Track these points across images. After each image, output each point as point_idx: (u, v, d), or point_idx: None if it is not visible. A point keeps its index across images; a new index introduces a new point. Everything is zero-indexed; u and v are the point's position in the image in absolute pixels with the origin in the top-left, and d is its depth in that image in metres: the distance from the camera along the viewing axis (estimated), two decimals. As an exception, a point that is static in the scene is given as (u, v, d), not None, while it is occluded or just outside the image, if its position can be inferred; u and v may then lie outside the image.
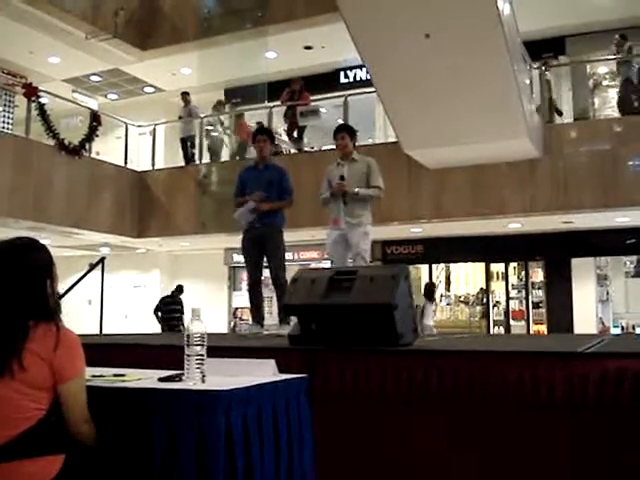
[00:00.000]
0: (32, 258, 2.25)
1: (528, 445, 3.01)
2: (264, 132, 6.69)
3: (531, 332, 13.67)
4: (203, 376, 2.34)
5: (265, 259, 6.11)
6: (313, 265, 13.50)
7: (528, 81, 9.82)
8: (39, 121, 11.76)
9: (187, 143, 14.20)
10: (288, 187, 6.19)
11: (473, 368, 3.15)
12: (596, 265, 13.87)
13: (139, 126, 14.93)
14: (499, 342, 5.39)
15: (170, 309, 12.84)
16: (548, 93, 11.29)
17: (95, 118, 12.88)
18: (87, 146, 12.68)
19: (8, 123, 11.75)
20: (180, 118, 14.60)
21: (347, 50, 9.49)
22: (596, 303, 13.69)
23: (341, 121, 11.72)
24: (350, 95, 12.86)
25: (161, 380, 2.41)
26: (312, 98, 13.14)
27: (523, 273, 14.37)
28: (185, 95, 14.35)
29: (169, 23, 14.05)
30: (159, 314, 12.90)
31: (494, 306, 14.56)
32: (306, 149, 13.33)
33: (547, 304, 13.87)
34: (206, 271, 16.63)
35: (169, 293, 13.39)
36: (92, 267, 8.36)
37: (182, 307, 12.91)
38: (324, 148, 12.86)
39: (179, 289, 13.19)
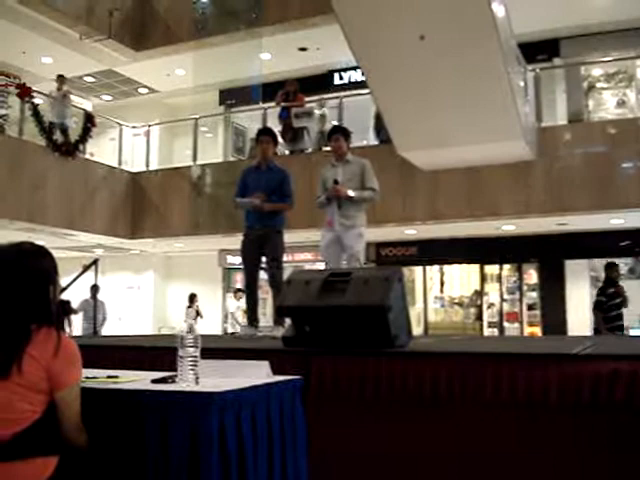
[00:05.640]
0: (37, 263, 2.27)
1: (522, 446, 3.02)
2: (267, 133, 6.55)
3: (525, 334, 13.69)
4: (197, 378, 2.33)
5: (263, 260, 6.11)
6: (307, 267, 13.48)
7: (523, 83, 9.83)
8: (32, 122, 11.74)
9: (55, 129, 12.54)
10: (289, 190, 6.15)
11: (467, 370, 3.15)
12: (590, 267, 13.89)
13: (133, 127, 14.91)
14: (493, 344, 5.39)
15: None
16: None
17: (89, 119, 12.85)
18: (81, 147, 12.65)
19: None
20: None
21: (342, 52, 9.48)
22: (590, 305, 13.70)
23: (335, 123, 11.72)
24: (344, 97, 12.87)
25: (154, 382, 2.41)
26: (306, 100, 13.13)
27: (517, 275, 14.39)
28: (61, 78, 12.96)
29: (163, 24, 14.03)
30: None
31: (488, 308, 14.58)
32: (306, 149, 13.27)
33: (541, 306, 13.90)
34: (200, 273, 16.61)
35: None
36: (86, 268, 8.35)
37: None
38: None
39: None
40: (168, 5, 14.16)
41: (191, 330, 2.34)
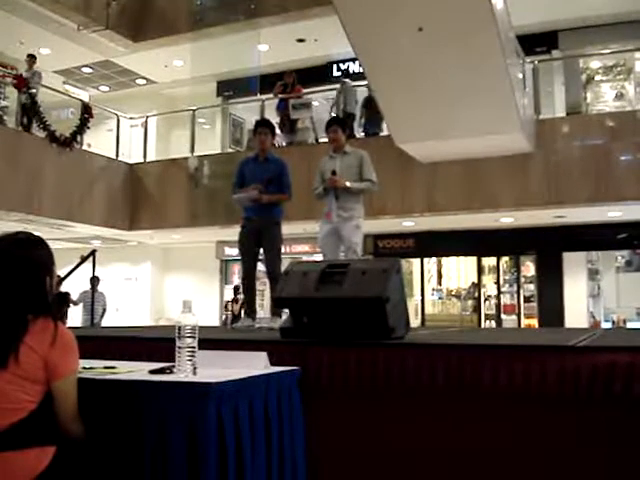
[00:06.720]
0: (34, 254, 2.27)
1: (520, 438, 3.02)
2: (265, 124, 6.48)
3: (522, 326, 13.71)
4: (194, 368, 2.33)
5: (261, 251, 6.09)
6: (305, 258, 13.48)
7: (521, 75, 9.82)
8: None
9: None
10: (287, 181, 6.11)
11: (464, 362, 3.14)
12: (587, 259, 13.92)
13: (131, 118, 14.88)
14: (491, 336, 5.39)
15: None
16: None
17: (86, 110, 12.82)
18: (78, 138, 12.63)
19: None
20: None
21: (340, 43, 9.47)
22: (587, 297, 13.73)
23: (333, 114, 11.71)
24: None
25: (152, 372, 2.41)
26: (304, 91, 13.11)
27: (515, 267, 14.41)
28: (31, 58, 12.59)
29: (161, 15, 13.98)
30: None
31: (486, 300, 14.60)
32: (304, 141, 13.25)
33: (538, 298, 13.91)
34: (198, 264, 16.61)
35: None
36: (83, 260, 8.35)
37: None
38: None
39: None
40: (166, -4, 14.12)
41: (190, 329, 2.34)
